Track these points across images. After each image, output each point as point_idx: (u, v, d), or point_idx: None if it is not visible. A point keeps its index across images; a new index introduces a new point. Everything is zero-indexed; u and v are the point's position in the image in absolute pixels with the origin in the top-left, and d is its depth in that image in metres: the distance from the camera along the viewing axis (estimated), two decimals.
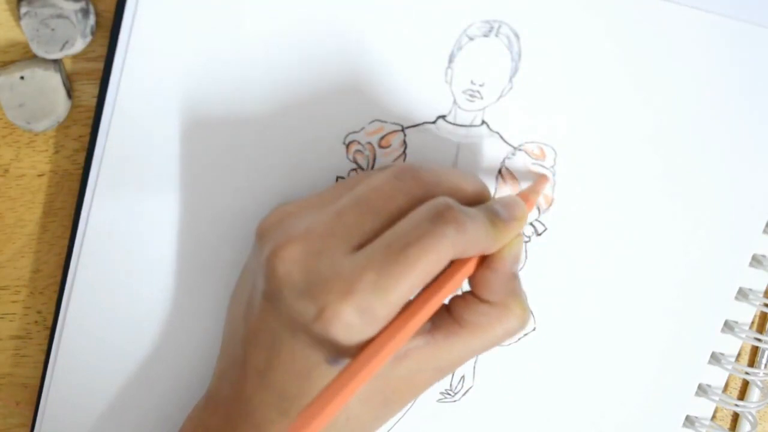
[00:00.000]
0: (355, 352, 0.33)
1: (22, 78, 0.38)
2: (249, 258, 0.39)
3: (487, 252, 0.36)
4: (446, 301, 0.36)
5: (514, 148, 0.41)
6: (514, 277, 0.36)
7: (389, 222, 0.34)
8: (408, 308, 0.34)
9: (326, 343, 0.33)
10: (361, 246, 0.34)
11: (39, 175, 0.41)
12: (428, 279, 0.33)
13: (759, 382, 0.47)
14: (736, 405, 0.47)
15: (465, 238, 0.33)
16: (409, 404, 0.37)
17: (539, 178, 0.41)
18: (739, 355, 0.46)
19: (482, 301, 0.36)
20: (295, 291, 0.33)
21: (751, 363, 0.47)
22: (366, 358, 0.32)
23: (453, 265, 0.35)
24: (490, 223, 0.35)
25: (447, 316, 0.36)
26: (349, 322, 0.32)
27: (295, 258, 0.34)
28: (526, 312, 0.36)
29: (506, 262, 0.36)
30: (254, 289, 0.36)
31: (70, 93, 0.39)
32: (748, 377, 0.47)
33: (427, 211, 0.34)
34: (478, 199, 0.36)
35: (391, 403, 0.37)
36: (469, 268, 0.35)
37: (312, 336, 0.33)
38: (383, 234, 0.34)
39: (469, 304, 0.36)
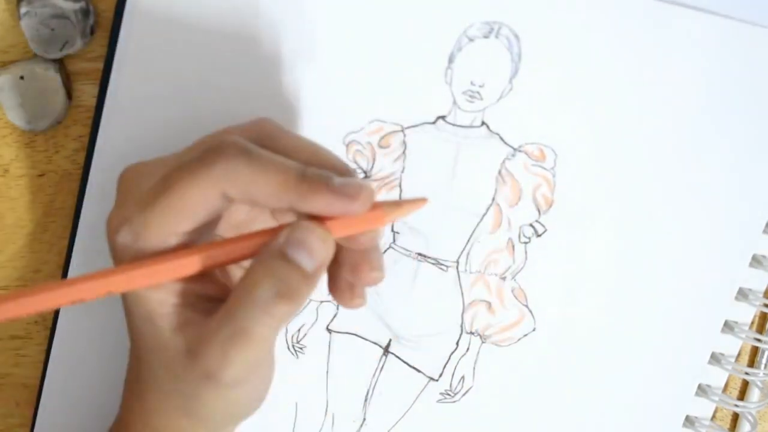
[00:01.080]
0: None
1: (22, 78, 0.38)
2: None
3: (299, 209, 0.32)
4: None
5: (514, 149, 0.41)
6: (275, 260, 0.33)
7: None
8: (183, 250, 0.32)
9: (110, 249, 0.33)
10: None
11: (39, 175, 0.41)
12: (192, 210, 0.32)
13: (759, 383, 0.47)
14: (736, 405, 0.47)
15: (238, 175, 0.31)
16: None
17: (415, 202, 0.34)
18: (739, 355, 0.46)
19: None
20: (116, 197, 0.35)
21: (751, 363, 0.47)
22: (127, 267, 0.32)
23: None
24: (291, 173, 0.32)
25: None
26: (112, 231, 0.33)
27: (130, 169, 0.35)
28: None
29: (274, 243, 0.32)
30: None
31: (70, 93, 0.39)
32: (748, 377, 0.47)
33: (204, 143, 0.34)
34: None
35: (171, 378, 0.34)
36: (263, 235, 0.33)
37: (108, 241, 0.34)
38: None
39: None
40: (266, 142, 0.33)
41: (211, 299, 0.34)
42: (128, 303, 0.34)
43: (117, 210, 0.33)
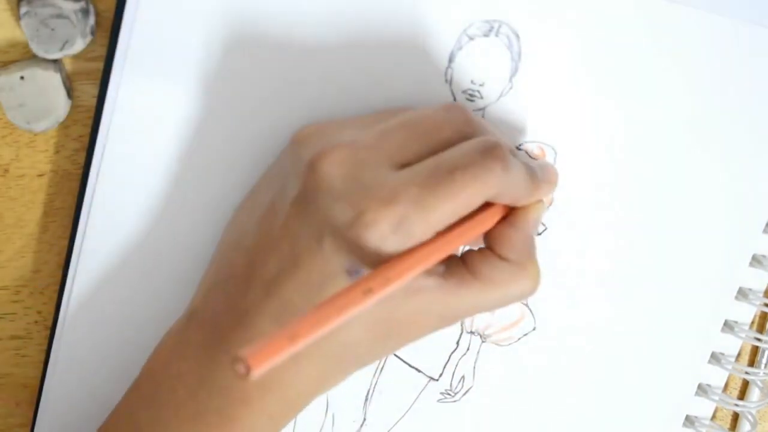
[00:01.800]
0: (378, 266, 0.32)
1: (22, 78, 0.38)
2: (273, 166, 0.38)
3: (518, 203, 0.36)
4: (459, 254, 0.36)
5: (515, 147, 0.41)
6: (532, 241, 0.36)
7: (435, 149, 0.34)
8: (437, 238, 0.33)
9: (354, 250, 0.32)
10: (404, 166, 0.33)
11: (39, 175, 0.41)
12: (467, 210, 0.33)
13: (759, 382, 0.47)
14: (736, 405, 0.47)
15: (508, 180, 0.34)
16: (406, 344, 0.36)
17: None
18: (739, 355, 0.46)
19: (500, 257, 0.35)
20: (333, 194, 0.33)
21: (751, 363, 0.47)
22: (385, 271, 0.31)
23: (484, 208, 0.35)
24: (528, 175, 0.36)
25: (462, 265, 0.35)
26: (384, 231, 0.32)
27: (340, 161, 0.33)
28: (539, 276, 0.36)
29: (529, 222, 0.36)
30: (281, 194, 0.35)
31: (70, 93, 0.39)
32: (748, 377, 0.47)
33: (478, 144, 0.34)
34: None
35: (391, 337, 0.35)
36: (492, 217, 0.35)
37: (340, 242, 0.32)
38: (431, 157, 0.33)
39: (486, 257, 0.35)
40: (480, 132, 0.35)
41: None
42: None
43: (376, 206, 0.32)
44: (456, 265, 0.35)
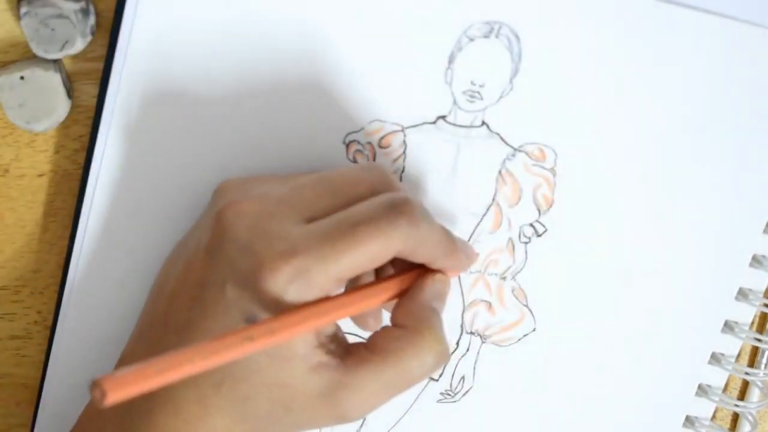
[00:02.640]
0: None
1: (22, 78, 0.38)
2: (200, 217, 0.38)
3: (435, 263, 0.36)
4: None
5: (514, 149, 0.41)
6: (434, 312, 0.36)
7: (346, 205, 0.34)
8: (338, 297, 0.34)
9: (255, 299, 0.32)
10: (313, 221, 0.34)
11: (39, 175, 0.41)
12: (372, 263, 0.33)
13: (759, 382, 0.47)
14: (736, 405, 0.47)
15: (417, 234, 0.34)
16: (305, 430, 0.35)
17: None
18: (739, 355, 0.46)
19: (396, 325, 0.35)
20: (237, 243, 0.33)
21: (751, 363, 0.47)
22: (270, 322, 0.31)
23: (378, 283, 0.36)
24: (444, 235, 0.36)
25: (362, 345, 0.35)
26: (283, 282, 0.32)
27: (246, 213, 0.34)
28: (441, 345, 0.35)
29: (425, 290, 0.36)
30: (197, 243, 0.36)
31: (70, 93, 0.39)
32: (748, 377, 0.47)
33: (385, 198, 0.34)
34: None
35: (289, 412, 0.34)
36: (389, 291, 0.36)
37: (242, 290, 0.33)
38: (339, 212, 0.34)
39: (385, 330, 0.36)
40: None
41: (334, 340, 0.35)
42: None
43: (276, 256, 0.32)
44: (357, 347, 0.35)
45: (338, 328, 0.36)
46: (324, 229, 0.33)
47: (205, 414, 0.34)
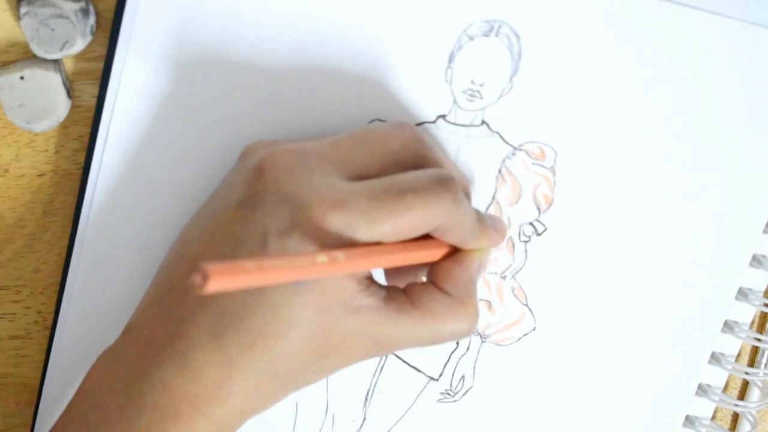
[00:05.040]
0: None
1: (22, 78, 0.38)
2: (219, 184, 0.38)
3: (464, 245, 0.36)
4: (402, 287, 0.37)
5: (514, 148, 0.41)
6: (475, 282, 0.37)
7: (383, 162, 0.35)
8: (378, 247, 0.33)
9: (300, 248, 0.32)
10: (353, 178, 0.34)
11: (39, 175, 0.41)
12: (411, 233, 0.34)
13: (759, 382, 0.47)
14: (736, 405, 0.47)
15: (456, 214, 0.34)
16: (338, 369, 0.36)
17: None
18: (739, 355, 0.46)
19: (442, 290, 0.36)
20: (281, 195, 0.33)
21: (751, 363, 0.47)
22: (316, 256, 0.30)
23: (428, 239, 0.35)
24: (476, 219, 0.36)
25: (403, 294, 0.36)
26: (329, 235, 0.32)
27: (288, 165, 0.33)
28: (476, 317, 0.36)
29: (473, 262, 0.37)
30: (227, 202, 0.35)
31: (70, 93, 0.39)
32: (748, 377, 0.47)
33: (433, 173, 0.34)
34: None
35: (324, 356, 0.34)
36: (438, 251, 0.36)
37: (285, 241, 0.32)
38: (385, 176, 0.34)
39: (428, 289, 0.36)
40: (429, 150, 0.36)
41: (373, 283, 0.35)
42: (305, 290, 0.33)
43: (326, 206, 0.32)
44: (397, 293, 0.36)
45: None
46: (373, 189, 0.33)
47: (227, 378, 0.33)
